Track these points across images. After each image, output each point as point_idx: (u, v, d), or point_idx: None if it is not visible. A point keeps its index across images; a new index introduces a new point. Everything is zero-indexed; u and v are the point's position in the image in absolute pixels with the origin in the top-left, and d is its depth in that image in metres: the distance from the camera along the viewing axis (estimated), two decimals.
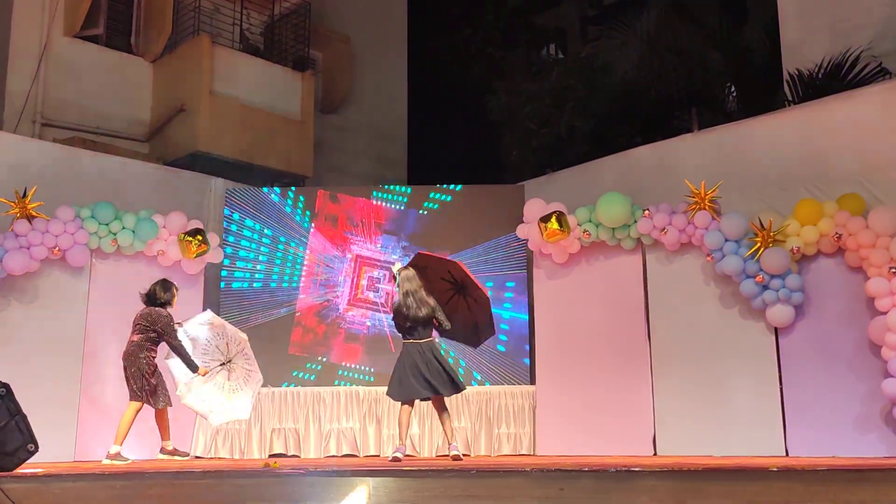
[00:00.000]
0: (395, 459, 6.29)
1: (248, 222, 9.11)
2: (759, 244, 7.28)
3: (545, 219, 8.05)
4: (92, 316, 7.96)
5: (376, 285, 9.09)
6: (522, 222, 8.46)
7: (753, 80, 10.55)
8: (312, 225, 9.15)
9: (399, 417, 6.62)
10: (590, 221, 8.08)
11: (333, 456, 8.28)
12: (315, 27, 12.84)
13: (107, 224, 7.97)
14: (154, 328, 6.88)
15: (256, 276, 9.03)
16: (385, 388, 6.71)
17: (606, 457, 7.40)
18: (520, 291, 8.90)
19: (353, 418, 8.44)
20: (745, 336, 7.54)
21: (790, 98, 9.03)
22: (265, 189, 9.38)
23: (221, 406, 7.28)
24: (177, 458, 7.02)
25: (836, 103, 7.59)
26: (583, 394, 8.12)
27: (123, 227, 8.01)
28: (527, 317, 8.84)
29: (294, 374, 8.79)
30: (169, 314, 6.98)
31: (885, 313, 6.70)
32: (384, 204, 9.21)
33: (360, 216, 9.19)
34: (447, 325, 6.56)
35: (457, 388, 6.54)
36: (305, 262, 9.10)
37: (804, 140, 7.54)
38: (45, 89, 10.59)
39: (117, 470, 5.37)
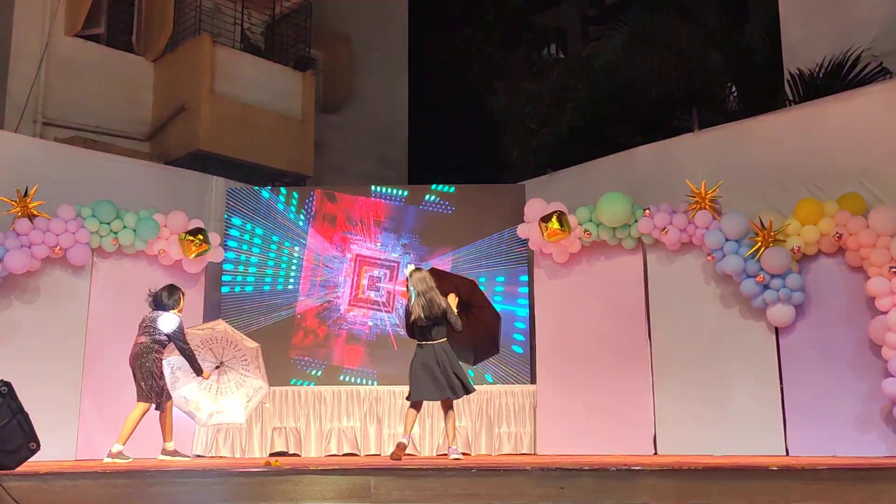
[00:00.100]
0: (400, 445, 6.28)
1: (249, 226, 9.09)
2: (759, 244, 7.29)
3: (546, 218, 8.04)
4: (93, 314, 7.98)
5: (377, 284, 9.08)
6: (523, 222, 8.47)
7: (754, 80, 10.53)
8: (311, 225, 9.14)
9: (406, 415, 6.63)
10: (590, 221, 8.08)
11: (334, 455, 8.28)
12: (316, 27, 12.84)
13: (108, 223, 7.98)
14: (164, 332, 6.89)
15: (254, 278, 8.99)
16: (388, 388, 6.68)
17: (607, 456, 7.40)
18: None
19: (353, 417, 8.45)
20: (746, 335, 7.54)
21: (791, 98, 9.01)
22: (263, 192, 9.34)
23: (207, 407, 7.32)
24: (178, 459, 7.03)
25: (836, 103, 7.60)
26: (583, 393, 8.11)
27: (124, 227, 8.03)
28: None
29: (293, 382, 8.70)
30: (180, 320, 7.01)
31: (885, 313, 6.70)
32: (383, 200, 9.18)
33: (358, 214, 9.17)
34: (459, 327, 6.48)
35: (466, 390, 6.51)
36: (304, 263, 9.09)
37: (805, 140, 7.54)
38: (47, 88, 10.62)
39: (119, 468, 5.36)
